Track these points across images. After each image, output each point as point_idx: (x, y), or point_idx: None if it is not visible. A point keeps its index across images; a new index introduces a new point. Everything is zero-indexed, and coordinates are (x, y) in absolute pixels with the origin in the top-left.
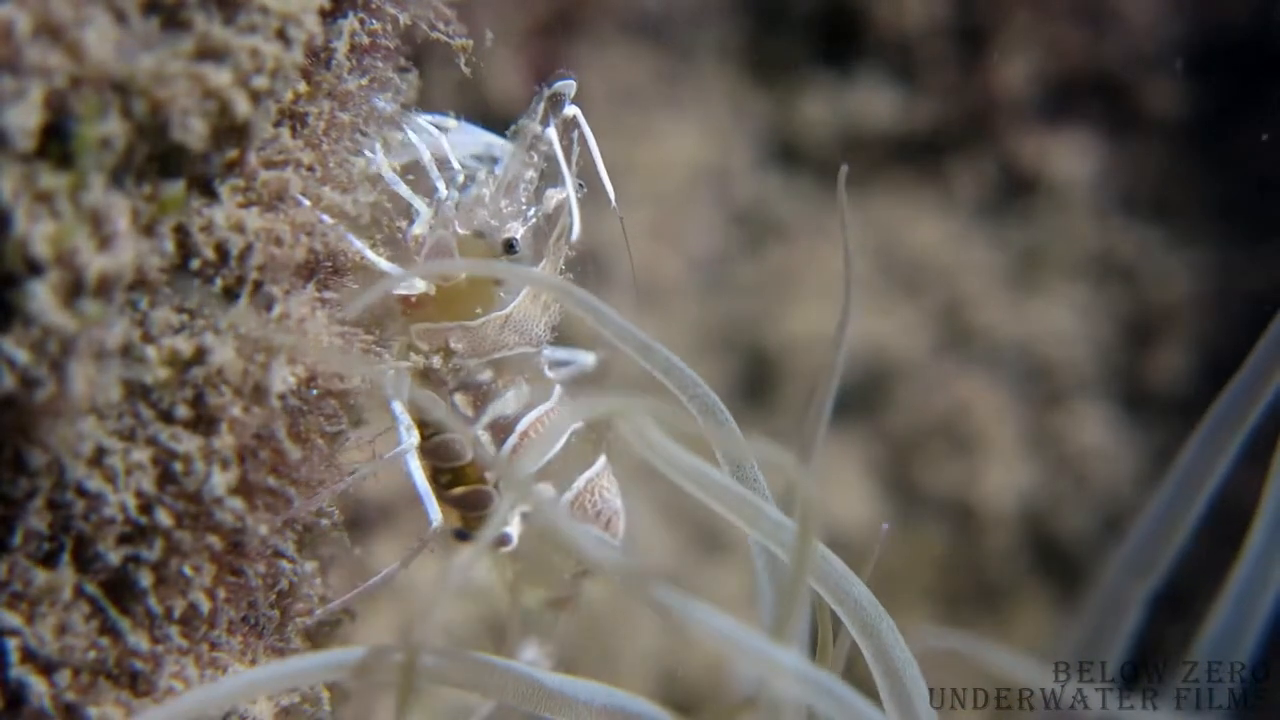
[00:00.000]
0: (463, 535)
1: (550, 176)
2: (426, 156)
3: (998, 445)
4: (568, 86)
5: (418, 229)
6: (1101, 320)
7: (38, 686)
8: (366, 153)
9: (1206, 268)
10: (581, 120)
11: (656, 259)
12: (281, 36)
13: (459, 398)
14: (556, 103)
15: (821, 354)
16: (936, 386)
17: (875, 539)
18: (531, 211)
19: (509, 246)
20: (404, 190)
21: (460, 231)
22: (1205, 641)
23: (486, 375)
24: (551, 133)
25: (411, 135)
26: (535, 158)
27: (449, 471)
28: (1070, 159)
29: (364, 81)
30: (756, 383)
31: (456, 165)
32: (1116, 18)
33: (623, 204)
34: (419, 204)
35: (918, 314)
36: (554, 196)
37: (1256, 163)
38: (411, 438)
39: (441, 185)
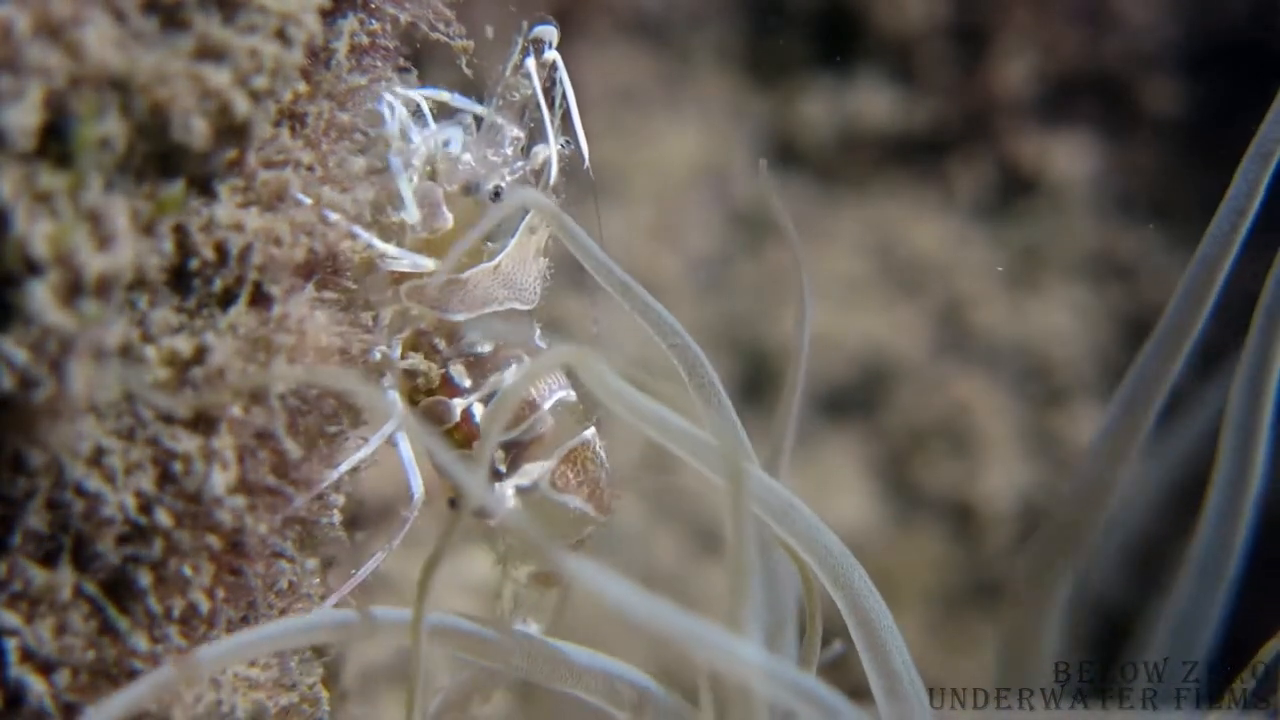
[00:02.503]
0: (456, 504)
1: (537, 134)
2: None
3: (997, 445)
4: (548, 31)
5: (404, 216)
6: (1100, 320)
7: (37, 686)
8: (385, 110)
9: None
10: (561, 66)
11: (655, 258)
12: (281, 36)
13: (456, 367)
14: (537, 47)
15: (820, 355)
16: (935, 386)
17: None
18: (518, 164)
19: (496, 195)
20: (402, 183)
21: (447, 188)
22: (1168, 619)
23: (486, 348)
24: (531, 63)
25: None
26: (517, 100)
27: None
28: (1069, 159)
29: (363, 81)
30: (755, 382)
31: (421, 145)
32: (1115, 18)
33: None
34: (408, 192)
35: (917, 314)
36: (541, 152)
37: None
38: (397, 411)
39: (418, 139)
